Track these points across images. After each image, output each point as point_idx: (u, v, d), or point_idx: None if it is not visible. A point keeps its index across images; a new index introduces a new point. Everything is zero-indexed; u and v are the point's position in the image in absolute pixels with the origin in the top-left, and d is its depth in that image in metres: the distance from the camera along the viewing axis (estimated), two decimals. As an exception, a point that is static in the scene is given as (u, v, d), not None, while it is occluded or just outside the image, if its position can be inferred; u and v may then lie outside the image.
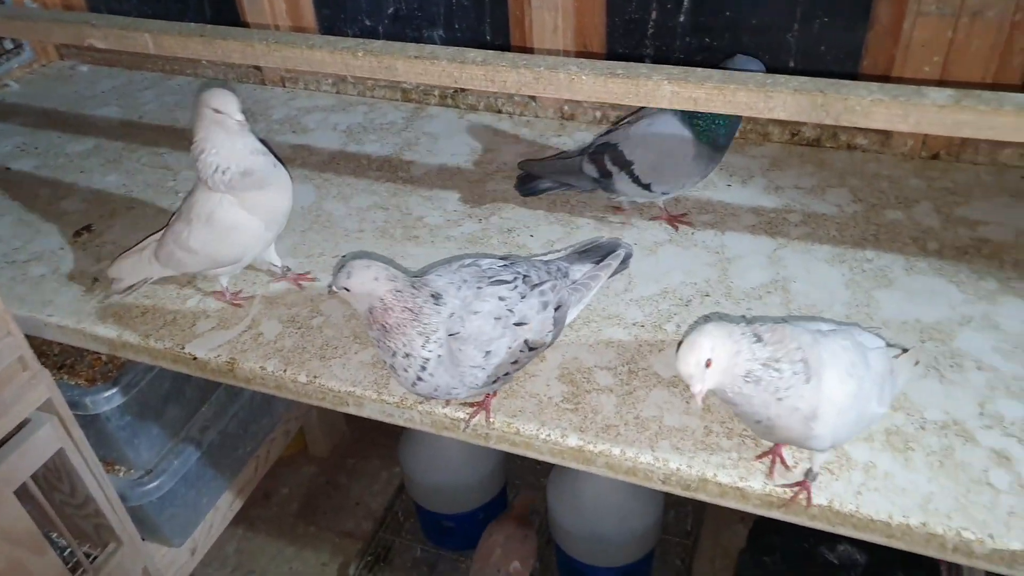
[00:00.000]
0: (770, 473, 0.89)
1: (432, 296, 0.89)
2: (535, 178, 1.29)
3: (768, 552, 1.60)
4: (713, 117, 1.10)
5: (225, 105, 1.03)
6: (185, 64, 1.82)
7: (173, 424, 1.56)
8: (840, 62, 1.35)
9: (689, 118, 1.12)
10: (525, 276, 0.95)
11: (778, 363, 0.80)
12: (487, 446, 1.01)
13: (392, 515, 2.05)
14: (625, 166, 1.17)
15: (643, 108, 1.20)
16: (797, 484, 0.88)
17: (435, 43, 1.58)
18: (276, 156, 1.12)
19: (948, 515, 0.84)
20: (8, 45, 1.88)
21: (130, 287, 1.17)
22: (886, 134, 1.36)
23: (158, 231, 1.17)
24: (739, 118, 1.11)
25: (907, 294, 1.10)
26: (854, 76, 1.35)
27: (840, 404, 0.81)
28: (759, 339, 0.80)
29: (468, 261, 0.96)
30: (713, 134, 1.12)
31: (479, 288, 0.92)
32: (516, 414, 0.98)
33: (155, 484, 1.51)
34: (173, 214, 1.16)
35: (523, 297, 0.93)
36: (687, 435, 0.93)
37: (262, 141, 1.10)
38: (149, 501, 1.51)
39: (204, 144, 1.06)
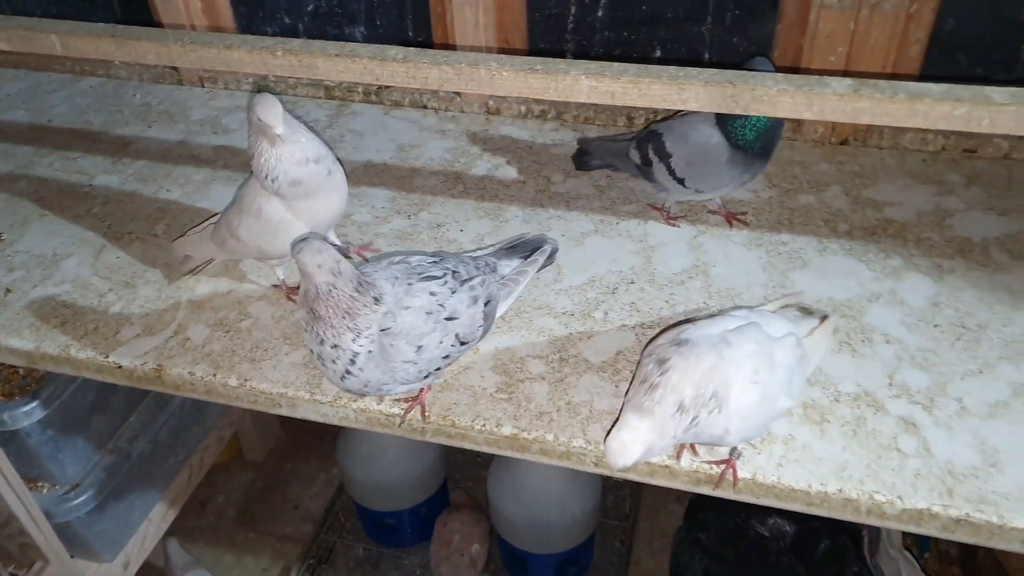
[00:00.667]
0: (677, 458, 0.93)
1: (374, 299, 0.90)
2: (588, 154, 1.34)
3: (703, 529, 1.66)
4: (744, 122, 1.10)
5: (267, 115, 0.99)
6: (96, 65, 1.76)
7: (99, 436, 1.52)
8: (753, 54, 1.40)
9: (722, 122, 1.13)
10: (455, 272, 0.97)
11: (696, 420, 0.82)
12: (424, 440, 1.02)
13: (332, 516, 2.05)
14: (664, 157, 1.19)
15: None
16: (723, 462, 0.92)
17: (357, 40, 1.57)
18: (335, 156, 1.09)
19: (861, 480, 0.89)
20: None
21: (195, 268, 1.17)
22: (798, 122, 1.42)
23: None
24: (778, 124, 1.13)
25: (820, 274, 1.16)
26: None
27: (745, 413, 0.84)
28: (682, 409, 0.82)
29: (398, 258, 0.97)
30: (745, 139, 1.12)
31: (410, 284, 0.93)
32: (451, 407, 0.99)
33: (82, 499, 1.47)
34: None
35: (453, 292, 0.94)
36: (615, 417, 0.96)
37: (324, 142, 1.07)
38: (76, 517, 1.47)
39: (253, 149, 1.04)
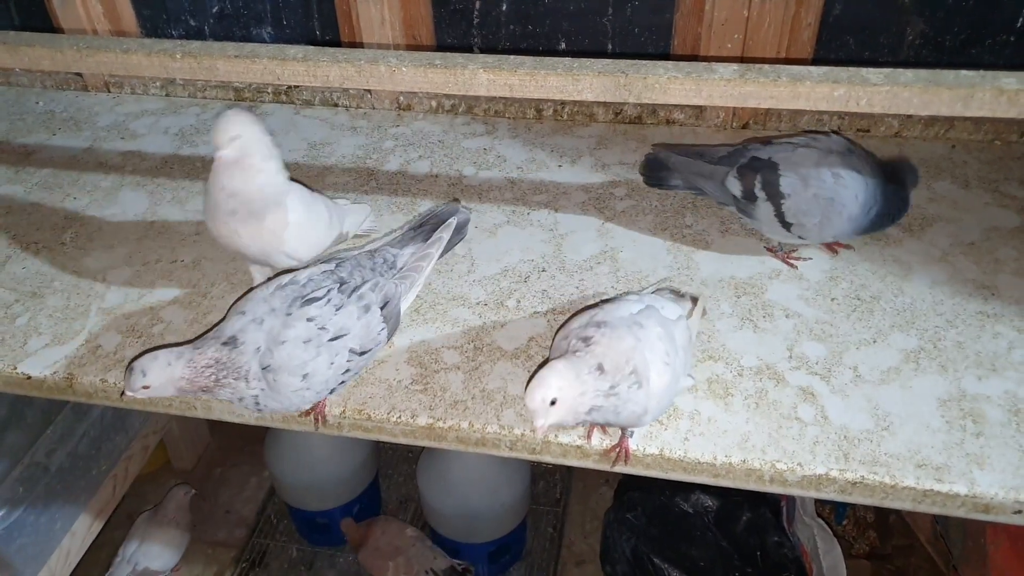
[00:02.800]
0: (588, 437, 0.96)
1: (224, 344, 0.90)
2: (666, 170, 1.22)
3: (631, 509, 1.70)
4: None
5: (215, 133, 0.96)
6: (-6, 73, 1.71)
7: (14, 450, 1.48)
8: (654, 43, 1.44)
9: (893, 178, 1.09)
10: (342, 283, 0.96)
11: (616, 388, 0.85)
12: (343, 435, 1.03)
13: (265, 519, 2.03)
14: (775, 197, 1.08)
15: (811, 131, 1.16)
16: (616, 446, 0.95)
17: (264, 41, 1.56)
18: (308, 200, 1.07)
19: (763, 450, 0.93)
20: None
21: None
22: (700, 108, 1.47)
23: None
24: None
25: (723, 254, 1.20)
26: (667, 56, 1.45)
27: (661, 394, 0.88)
28: (601, 370, 0.85)
29: (286, 280, 0.96)
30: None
31: (288, 315, 0.92)
32: (366, 401, 1.00)
33: (-2, 516, 1.43)
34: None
35: (339, 308, 0.94)
36: (529, 402, 0.99)
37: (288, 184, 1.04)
38: (-6, 536, 1.43)
39: None
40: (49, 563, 1.59)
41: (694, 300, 1.05)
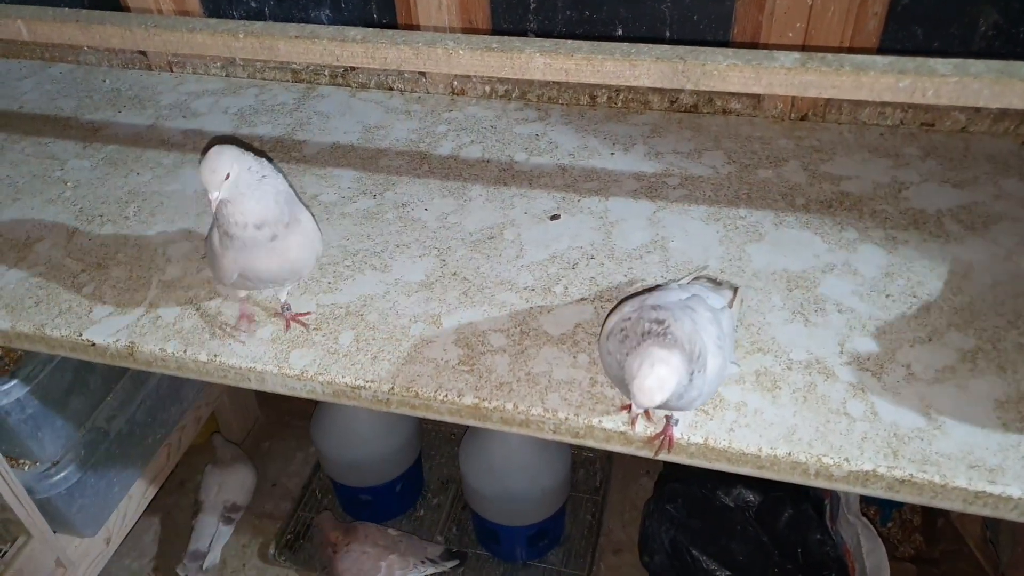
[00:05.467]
0: (632, 424, 0.96)
1: None
2: None
3: (671, 500, 1.70)
4: None
5: (203, 177, 0.94)
6: (66, 51, 1.76)
7: (78, 415, 1.54)
8: (713, 31, 1.42)
9: None
10: None
11: (692, 376, 0.82)
12: (390, 412, 1.05)
13: (310, 493, 2.08)
14: None
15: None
16: (660, 433, 0.95)
17: (322, 23, 1.59)
18: (303, 217, 1.03)
19: (810, 443, 0.92)
20: None
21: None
22: (757, 98, 1.45)
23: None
24: None
25: (776, 247, 1.19)
26: (726, 44, 1.43)
27: (713, 380, 0.87)
28: (688, 354, 0.82)
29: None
30: None
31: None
32: (414, 379, 1.02)
33: (62, 476, 1.50)
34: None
35: None
36: (574, 387, 0.99)
37: (288, 200, 1.01)
38: (57, 493, 1.50)
39: None
40: (107, 524, 1.66)
41: (734, 289, 1.04)
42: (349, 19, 1.57)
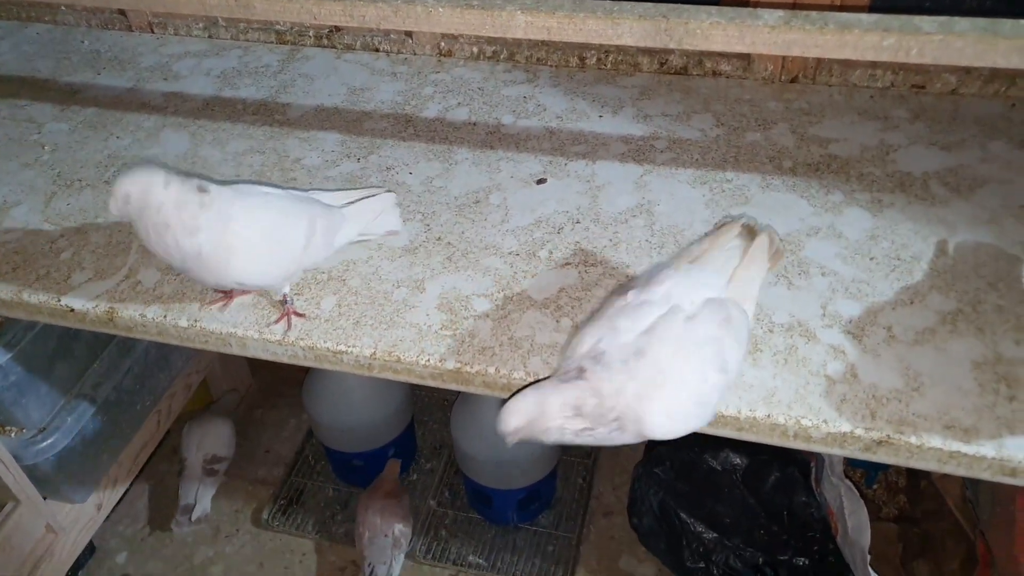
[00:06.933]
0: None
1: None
2: None
3: (660, 464, 1.71)
4: None
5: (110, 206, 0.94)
6: (43, 10, 1.73)
7: (63, 382, 1.54)
8: (701, -9, 1.40)
9: None
10: None
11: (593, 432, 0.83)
12: (372, 375, 1.05)
13: (303, 459, 2.09)
14: None
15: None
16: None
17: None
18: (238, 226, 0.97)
19: (788, 406, 0.92)
20: None
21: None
22: (747, 60, 1.43)
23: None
24: None
25: (762, 210, 1.18)
26: (718, 2, 1.40)
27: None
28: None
29: None
30: None
31: None
32: (396, 343, 1.02)
33: (49, 442, 1.50)
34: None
35: None
36: (556, 350, 0.99)
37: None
38: (45, 460, 1.50)
39: None
40: (98, 490, 1.67)
41: (769, 236, 0.99)
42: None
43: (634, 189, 1.23)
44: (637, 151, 1.30)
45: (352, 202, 1.11)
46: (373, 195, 1.14)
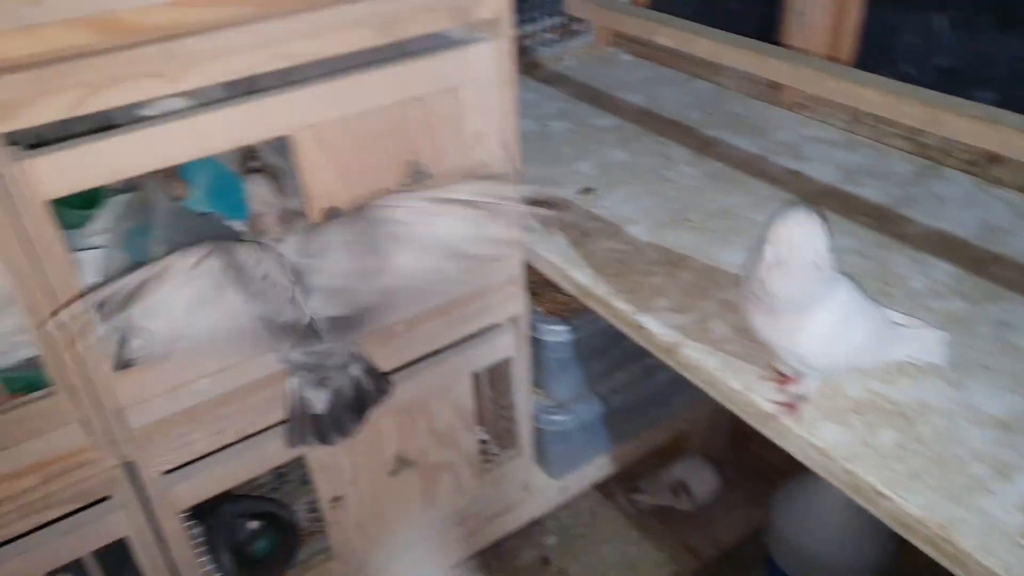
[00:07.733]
0: None
1: None
2: None
3: None
4: None
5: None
6: (708, 69, 1.93)
7: (592, 376, 1.74)
8: None
9: None
10: None
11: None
12: (906, 536, 0.94)
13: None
14: None
15: None
16: None
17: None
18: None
19: None
20: (577, 28, 2.18)
21: None
22: None
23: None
24: None
25: None
26: None
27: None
28: None
29: None
30: None
31: None
32: (954, 522, 0.89)
33: (559, 417, 1.71)
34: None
35: None
36: None
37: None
38: (550, 430, 1.71)
39: None
40: (571, 475, 1.84)
41: None
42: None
43: None
44: None
45: (902, 324, 1.07)
46: (925, 328, 1.08)
